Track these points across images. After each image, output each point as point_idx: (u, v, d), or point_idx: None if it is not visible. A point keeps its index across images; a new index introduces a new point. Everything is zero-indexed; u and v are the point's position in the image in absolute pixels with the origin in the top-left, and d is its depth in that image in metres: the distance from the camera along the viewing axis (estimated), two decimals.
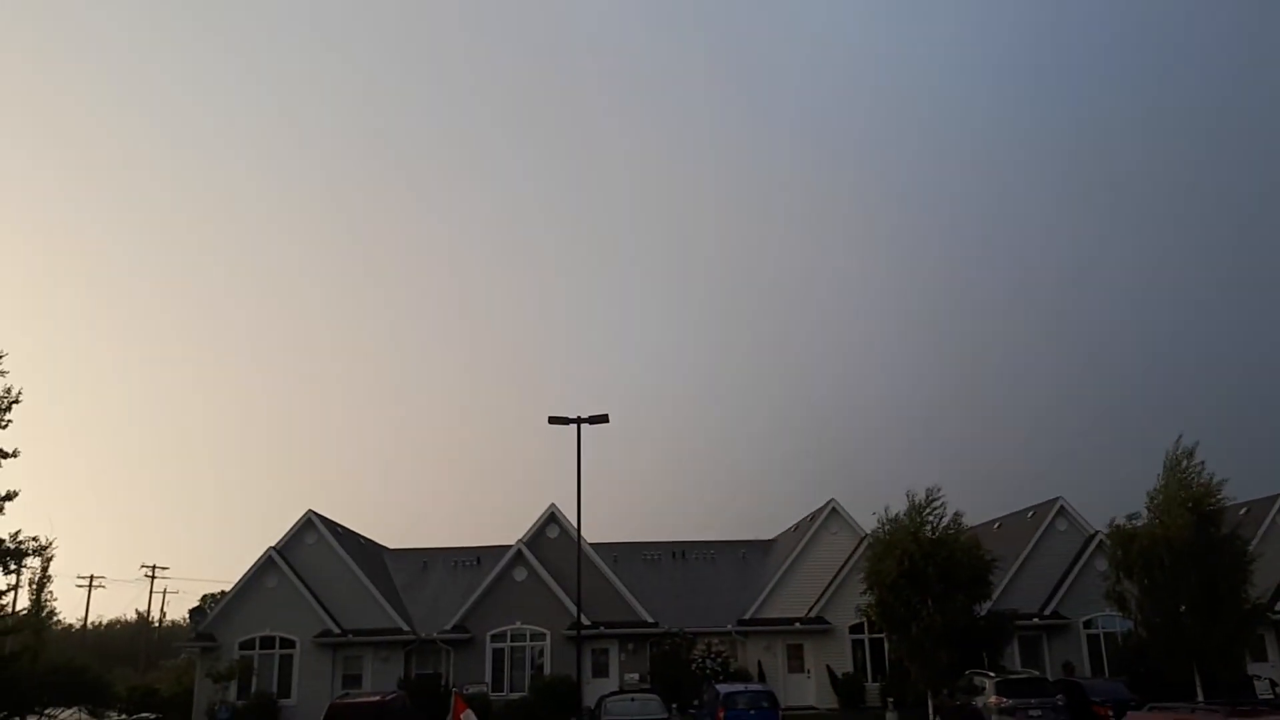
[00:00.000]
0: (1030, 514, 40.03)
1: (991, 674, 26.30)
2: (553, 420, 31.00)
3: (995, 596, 32.86)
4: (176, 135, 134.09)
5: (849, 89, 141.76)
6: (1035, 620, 35.87)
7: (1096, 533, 36.85)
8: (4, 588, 30.74)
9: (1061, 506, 38.15)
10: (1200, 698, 26.12)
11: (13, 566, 30.00)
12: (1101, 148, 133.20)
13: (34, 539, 29.08)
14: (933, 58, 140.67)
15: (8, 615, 32.49)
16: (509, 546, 38.15)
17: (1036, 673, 32.04)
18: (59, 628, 56.37)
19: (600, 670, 36.51)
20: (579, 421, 30.80)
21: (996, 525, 42.17)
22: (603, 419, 30.96)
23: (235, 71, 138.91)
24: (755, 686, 28.88)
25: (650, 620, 36.73)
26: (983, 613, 30.01)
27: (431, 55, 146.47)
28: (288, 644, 36.23)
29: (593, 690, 34.51)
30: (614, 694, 29.05)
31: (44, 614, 40.50)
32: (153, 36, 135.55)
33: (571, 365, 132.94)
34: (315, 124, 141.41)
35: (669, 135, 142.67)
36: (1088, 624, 36.46)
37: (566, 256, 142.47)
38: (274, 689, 35.47)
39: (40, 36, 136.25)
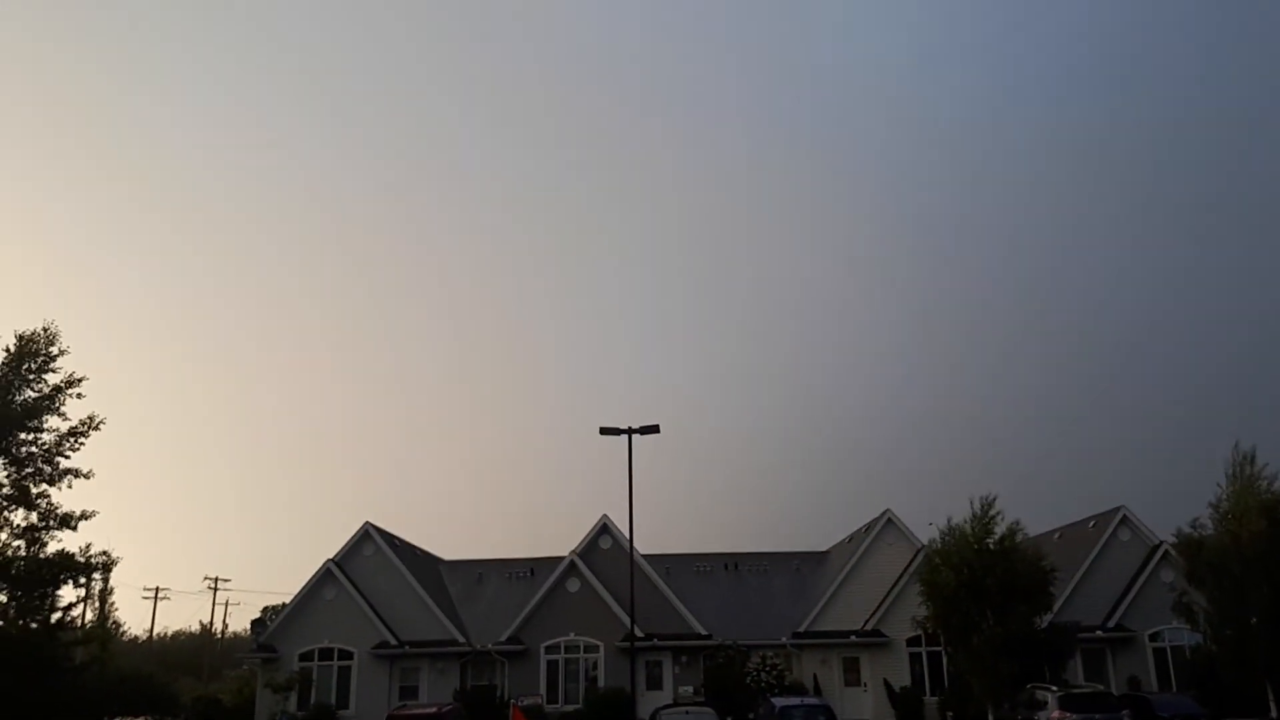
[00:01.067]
0: (1091, 524, 39.15)
1: (1054, 688, 25.75)
2: (604, 431, 31.07)
3: (1056, 608, 32.21)
4: (228, 149, 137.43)
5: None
6: (1099, 632, 35.04)
7: (1161, 543, 35.97)
8: (73, 600, 31.68)
9: (1124, 516, 37.23)
10: (1274, 713, 25.36)
11: (82, 581, 30.94)
12: (1143, 148, 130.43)
13: (103, 554, 29.86)
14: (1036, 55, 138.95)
15: (76, 627, 33.47)
16: (562, 558, 38.35)
17: (1101, 687, 31.31)
18: (125, 639, 57.93)
19: (654, 683, 36.46)
20: (630, 432, 30.82)
21: (1057, 535, 41.29)
22: (653, 429, 30.96)
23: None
24: (811, 700, 28.54)
25: (704, 632, 36.60)
26: (1043, 625, 29.43)
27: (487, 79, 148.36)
28: (346, 655, 36.74)
29: (646, 703, 34.44)
30: (668, 706, 28.93)
31: (109, 625, 41.73)
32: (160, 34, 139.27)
33: (623, 376, 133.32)
34: (376, 136, 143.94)
35: (717, 141, 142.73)
36: (1154, 637, 35.52)
37: (617, 266, 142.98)
38: (333, 700, 35.99)
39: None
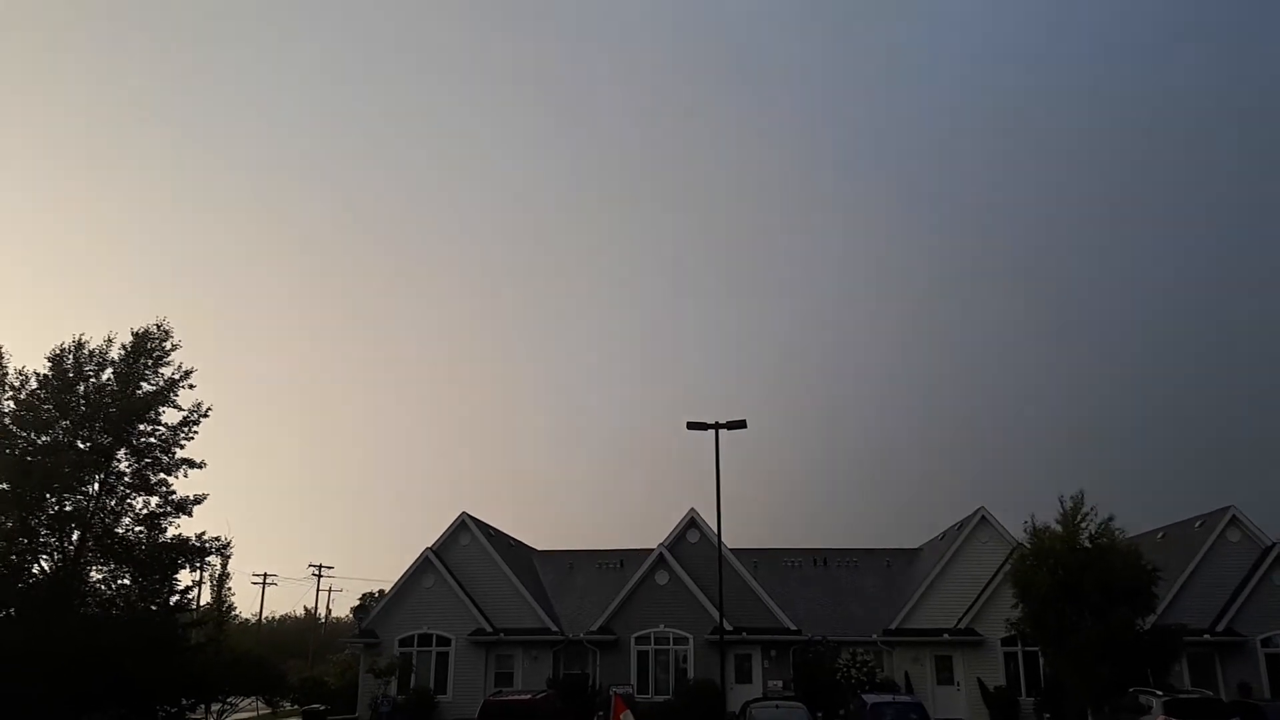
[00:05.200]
0: (1198, 523, 37.66)
1: (1159, 692, 24.92)
2: (691, 426, 31.12)
3: (1160, 610, 31.14)
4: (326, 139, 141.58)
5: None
6: (1206, 637, 33.75)
7: (1274, 544, 34.50)
8: (190, 583, 33.31)
9: (1234, 516, 35.73)
10: None
11: (198, 564, 32.53)
12: None
13: (216, 539, 31.28)
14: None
15: (193, 609, 35.18)
16: (651, 550, 38.72)
17: (1209, 693, 30.15)
18: (237, 622, 60.66)
19: (743, 676, 36.56)
20: (717, 427, 30.83)
21: (1160, 535, 39.84)
22: (740, 424, 30.91)
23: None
24: (904, 698, 28.23)
25: (793, 627, 36.54)
26: (1146, 627, 28.51)
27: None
28: (444, 642, 37.84)
29: (736, 696, 34.62)
30: (758, 700, 29.01)
31: (224, 608, 43.72)
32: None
33: (712, 371, 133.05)
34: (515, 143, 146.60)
35: (806, 138, 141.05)
36: (1266, 642, 34.07)
37: (707, 258, 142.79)
38: (431, 685, 37.10)
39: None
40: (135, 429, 30.33)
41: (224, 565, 38.75)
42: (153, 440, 30.66)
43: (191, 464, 30.82)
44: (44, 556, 28.44)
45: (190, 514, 30.45)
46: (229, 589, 42.76)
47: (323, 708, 38.64)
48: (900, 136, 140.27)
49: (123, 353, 30.80)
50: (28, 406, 29.12)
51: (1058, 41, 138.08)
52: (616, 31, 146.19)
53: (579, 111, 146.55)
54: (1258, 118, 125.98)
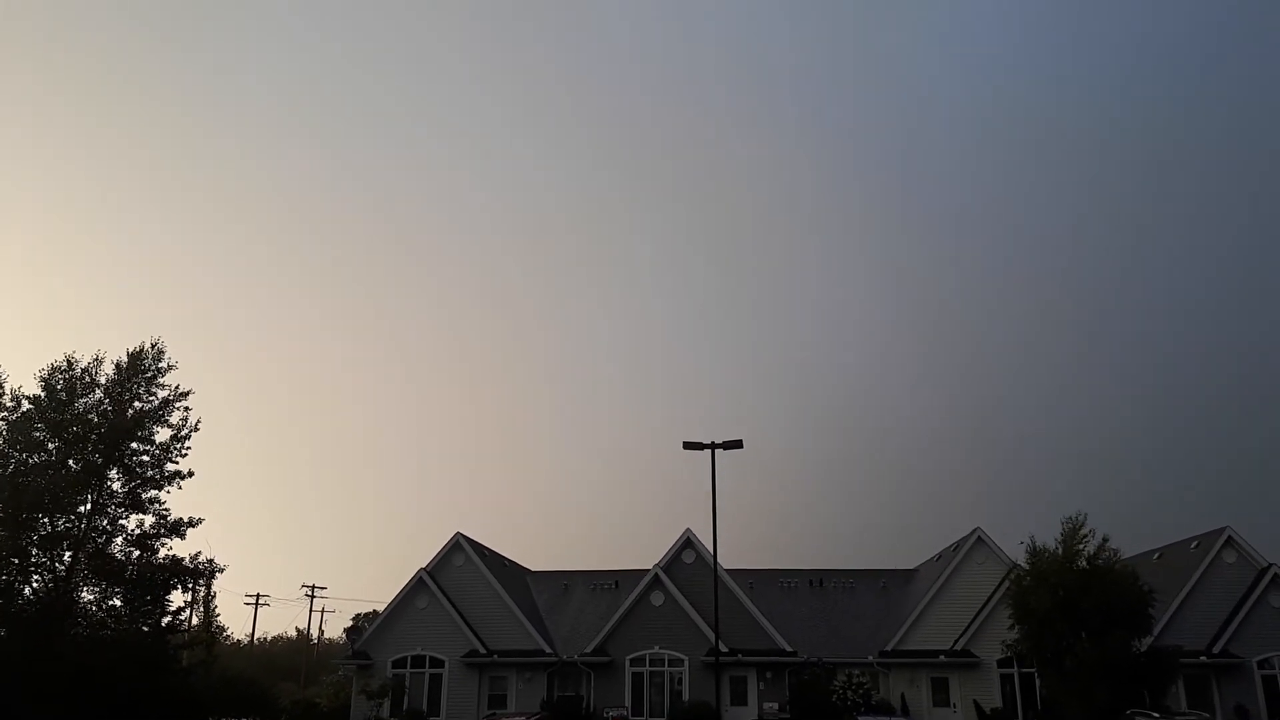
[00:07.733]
0: (1194, 544, 37.67)
1: (1155, 714, 24.92)
2: (687, 445, 31.08)
3: (1156, 632, 31.11)
4: (339, 155, 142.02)
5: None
6: (1202, 658, 33.68)
7: (1270, 565, 34.51)
8: (181, 604, 33.15)
9: (1229, 537, 35.77)
10: None
11: (190, 585, 32.40)
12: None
13: (210, 561, 31.19)
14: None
15: (184, 631, 35.01)
16: (646, 570, 38.57)
17: (1206, 715, 30.12)
18: (229, 643, 60.23)
19: (738, 698, 36.32)
20: (713, 447, 30.81)
21: (1156, 555, 39.85)
22: (736, 444, 30.89)
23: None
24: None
25: (788, 649, 36.38)
26: (1142, 649, 28.48)
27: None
28: (437, 663, 37.58)
29: (731, 718, 34.45)
30: None
31: (214, 630, 43.40)
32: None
33: (708, 391, 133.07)
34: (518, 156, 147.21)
35: (810, 156, 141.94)
36: (1263, 664, 34.00)
37: (704, 283, 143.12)
38: (424, 706, 36.83)
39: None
40: (127, 447, 30.34)
41: (208, 586, 38.55)
42: (144, 458, 30.67)
43: (180, 475, 30.82)
44: (35, 577, 28.35)
45: (183, 536, 30.44)
46: (216, 609, 42.47)
47: None
48: (921, 145, 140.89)
49: (114, 372, 30.85)
50: (19, 427, 29.11)
51: (1085, 48, 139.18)
52: (629, 28, 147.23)
53: (589, 124, 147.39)
54: None
